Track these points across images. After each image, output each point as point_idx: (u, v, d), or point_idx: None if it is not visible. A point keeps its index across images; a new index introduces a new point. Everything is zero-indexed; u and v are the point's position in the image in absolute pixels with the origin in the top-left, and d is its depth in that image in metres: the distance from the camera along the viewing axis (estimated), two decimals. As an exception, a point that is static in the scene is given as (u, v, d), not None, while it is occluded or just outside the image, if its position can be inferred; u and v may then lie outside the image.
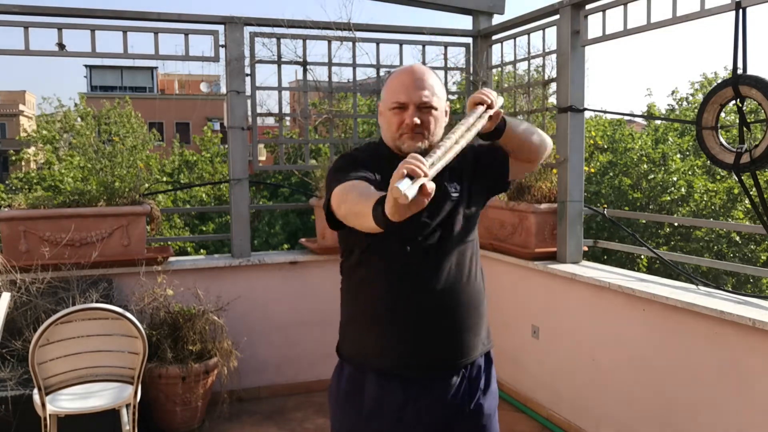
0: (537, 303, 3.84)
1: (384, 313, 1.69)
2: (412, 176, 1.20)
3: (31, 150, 18.67)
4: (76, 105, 16.08)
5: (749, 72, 2.69)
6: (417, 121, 1.66)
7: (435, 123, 1.69)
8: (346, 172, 1.61)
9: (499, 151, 1.79)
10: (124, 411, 2.75)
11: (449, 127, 1.61)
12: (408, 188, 1.18)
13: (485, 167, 1.81)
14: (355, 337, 1.76)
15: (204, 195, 14.83)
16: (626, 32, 3.30)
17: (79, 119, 14.82)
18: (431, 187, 1.21)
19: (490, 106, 1.60)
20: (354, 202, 1.43)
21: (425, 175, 1.20)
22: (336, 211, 1.54)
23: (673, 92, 15.80)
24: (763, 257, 11.57)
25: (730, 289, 3.04)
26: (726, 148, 2.80)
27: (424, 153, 1.71)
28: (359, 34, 4.20)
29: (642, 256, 11.16)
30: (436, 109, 1.69)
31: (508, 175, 1.82)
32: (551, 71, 3.90)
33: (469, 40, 4.54)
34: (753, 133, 2.76)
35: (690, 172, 12.43)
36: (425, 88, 1.67)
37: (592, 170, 12.36)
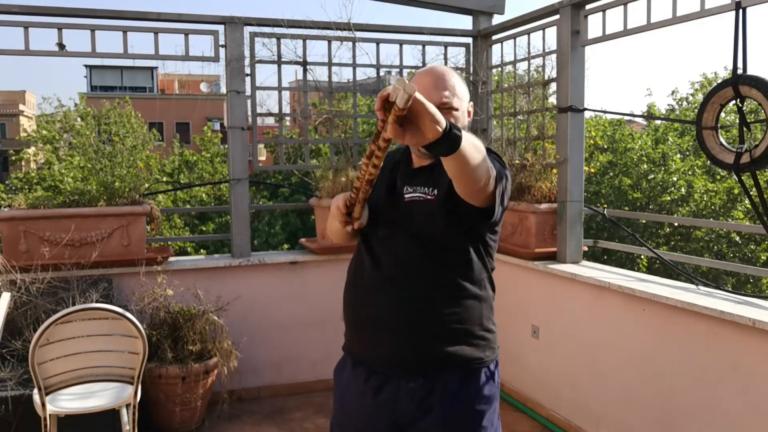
0: (537, 303, 3.84)
1: (348, 305, 1.82)
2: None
3: (31, 150, 18.69)
4: (76, 105, 16.10)
5: (749, 72, 2.69)
6: None
7: (456, 123, 1.68)
8: None
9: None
10: (124, 411, 2.75)
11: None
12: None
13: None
14: (345, 323, 1.87)
15: (204, 195, 14.83)
16: (626, 32, 3.31)
17: (79, 119, 14.83)
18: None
19: (385, 114, 1.28)
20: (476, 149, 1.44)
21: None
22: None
23: (673, 92, 15.86)
24: (763, 257, 11.57)
25: (730, 289, 3.04)
26: (726, 148, 2.80)
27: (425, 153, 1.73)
28: (359, 34, 4.20)
29: (642, 256, 11.17)
30: (456, 109, 1.69)
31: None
32: (551, 71, 3.90)
33: (469, 40, 4.54)
34: (753, 133, 2.76)
35: (690, 172, 12.44)
36: (446, 89, 1.67)
37: (592, 170, 12.36)
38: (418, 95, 1.23)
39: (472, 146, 1.39)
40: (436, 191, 1.67)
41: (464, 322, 1.70)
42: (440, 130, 1.27)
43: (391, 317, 1.69)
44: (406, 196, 1.71)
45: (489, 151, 1.70)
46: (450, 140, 1.30)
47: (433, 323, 1.68)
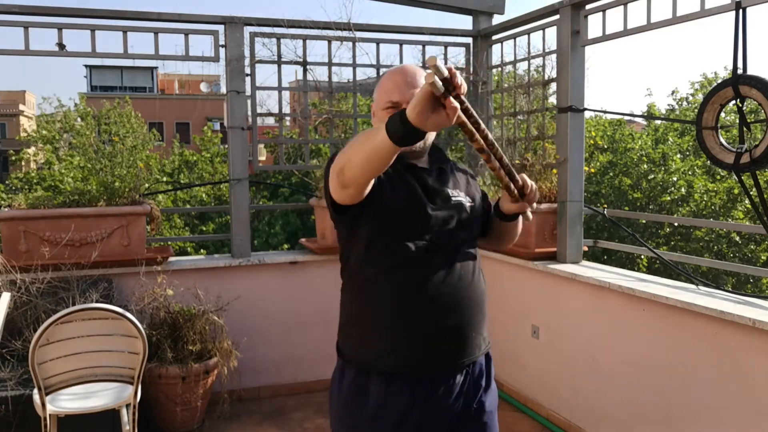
0: (537, 303, 3.84)
1: (388, 312, 1.66)
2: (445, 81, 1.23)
3: (31, 150, 18.69)
4: (76, 105, 16.11)
5: (749, 72, 2.69)
6: None
7: None
8: None
9: (487, 214, 1.89)
10: (124, 411, 2.76)
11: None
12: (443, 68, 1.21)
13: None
14: (358, 337, 1.73)
15: (204, 195, 14.83)
16: (626, 32, 3.31)
17: (79, 119, 14.84)
18: (455, 104, 1.25)
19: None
20: (355, 140, 1.45)
21: (457, 87, 1.24)
22: (336, 179, 1.53)
23: (673, 92, 15.86)
24: (763, 257, 11.57)
25: (730, 289, 3.04)
26: (726, 148, 2.80)
27: (420, 153, 1.76)
28: (359, 34, 4.20)
29: (642, 256, 11.17)
30: None
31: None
32: (551, 71, 3.90)
33: (469, 40, 4.54)
34: (753, 133, 2.76)
35: (690, 172, 12.44)
36: (418, 86, 1.68)
37: (592, 170, 12.36)
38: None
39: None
40: (471, 199, 1.80)
41: (487, 310, 1.81)
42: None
43: (471, 317, 1.71)
44: (453, 199, 1.75)
45: (474, 177, 1.95)
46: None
47: (486, 315, 1.78)
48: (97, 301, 3.32)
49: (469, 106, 1.36)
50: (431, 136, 1.76)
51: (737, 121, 2.76)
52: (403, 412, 1.66)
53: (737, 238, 11.48)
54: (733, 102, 2.77)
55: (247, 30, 3.99)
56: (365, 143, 1.41)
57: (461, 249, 1.72)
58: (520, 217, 1.80)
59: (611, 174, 13.04)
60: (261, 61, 4.04)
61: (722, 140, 2.83)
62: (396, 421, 1.67)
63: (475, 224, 1.80)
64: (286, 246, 12.43)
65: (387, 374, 1.67)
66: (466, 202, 1.77)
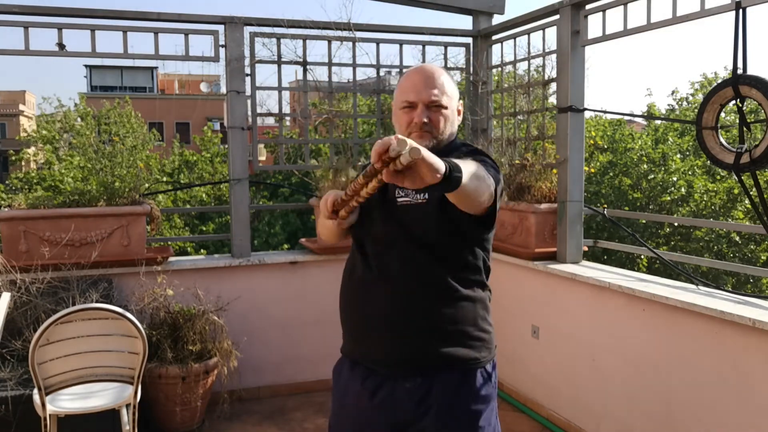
0: (537, 303, 3.84)
1: (344, 307, 1.82)
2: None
3: (31, 150, 18.67)
4: (76, 105, 16.08)
5: (749, 72, 2.69)
6: (425, 119, 1.70)
7: (444, 121, 1.73)
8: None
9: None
10: (124, 411, 2.75)
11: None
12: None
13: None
14: (342, 325, 1.87)
15: (204, 195, 14.82)
16: (626, 32, 3.31)
17: (79, 119, 14.82)
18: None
19: (384, 165, 1.25)
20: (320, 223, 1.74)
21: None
22: None
23: (673, 92, 15.85)
24: (763, 257, 11.57)
25: (730, 289, 3.04)
26: (726, 148, 2.80)
27: (432, 150, 1.69)
28: (359, 34, 4.20)
29: (642, 256, 11.17)
30: (445, 107, 1.72)
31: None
32: (551, 71, 3.90)
33: (469, 40, 4.54)
34: (753, 133, 2.76)
35: (690, 172, 12.44)
36: (435, 87, 1.70)
37: (592, 170, 12.36)
38: (423, 153, 1.23)
39: (473, 177, 1.41)
40: (426, 195, 1.68)
41: (459, 323, 1.70)
42: (439, 176, 1.28)
43: (387, 318, 1.69)
44: (399, 200, 1.71)
45: (479, 152, 1.74)
46: (450, 182, 1.32)
47: (428, 323, 1.68)
48: (97, 301, 3.31)
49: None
50: (446, 134, 1.75)
51: (737, 121, 2.76)
52: (357, 397, 1.76)
53: (737, 238, 11.47)
54: (733, 102, 2.77)
55: (247, 30, 3.99)
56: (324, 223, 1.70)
57: (410, 251, 1.68)
58: (465, 190, 1.39)
59: (611, 174, 13.05)
60: (261, 61, 4.04)
61: (722, 140, 2.83)
62: (351, 405, 1.78)
63: (435, 223, 1.66)
64: (286, 246, 12.44)
65: (351, 360, 1.81)
66: (416, 200, 1.69)
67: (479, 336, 1.73)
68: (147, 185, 4.46)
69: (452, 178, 1.32)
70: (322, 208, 1.64)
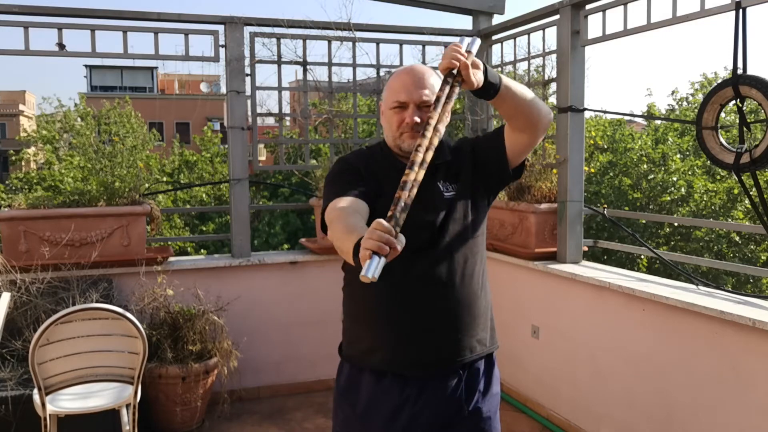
0: (537, 303, 3.84)
1: (377, 311, 1.70)
2: (378, 253, 1.19)
3: (31, 150, 18.67)
4: (76, 105, 16.06)
5: (749, 72, 2.69)
6: (417, 119, 1.68)
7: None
8: (340, 184, 1.64)
9: (497, 135, 1.75)
10: (124, 411, 2.75)
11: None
12: (375, 270, 1.18)
13: (485, 156, 1.76)
14: (353, 334, 1.77)
15: (204, 195, 14.81)
16: (626, 32, 3.31)
17: (79, 119, 14.80)
18: (400, 248, 1.22)
19: (460, 72, 1.47)
20: (337, 238, 1.45)
21: (390, 247, 1.21)
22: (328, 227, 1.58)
23: (673, 92, 15.84)
24: (763, 257, 11.56)
25: (730, 289, 3.04)
26: (726, 148, 2.80)
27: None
28: (359, 34, 4.20)
29: (642, 256, 11.16)
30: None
31: (507, 156, 1.71)
32: (551, 71, 3.90)
33: (470, 40, 4.53)
34: (753, 133, 2.76)
35: (690, 172, 12.43)
36: (425, 87, 1.71)
37: (592, 170, 12.35)
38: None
39: (516, 84, 1.59)
40: (456, 185, 1.73)
41: (489, 310, 1.80)
42: (482, 67, 1.55)
43: (454, 318, 1.69)
44: (446, 194, 1.71)
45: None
46: (488, 74, 1.56)
47: (477, 317, 1.74)
48: (97, 301, 3.32)
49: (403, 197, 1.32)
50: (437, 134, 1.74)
51: (737, 121, 2.76)
52: (393, 411, 1.68)
53: (737, 238, 11.47)
54: (733, 102, 2.77)
55: (247, 30, 3.99)
56: (338, 241, 1.44)
57: (448, 248, 1.69)
58: (509, 83, 1.59)
59: (611, 174, 13.04)
60: (261, 61, 4.04)
61: (722, 140, 2.83)
62: (385, 419, 1.68)
63: (467, 218, 1.71)
64: (286, 246, 12.43)
65: (377, 371, 1.70)
66: (448, 194, 1.71)
67: (493, 323, 1.83)
68: (147, 185, 4.46)
69: (489, 72, 1.55)
70: (380, 237, 1.22)
